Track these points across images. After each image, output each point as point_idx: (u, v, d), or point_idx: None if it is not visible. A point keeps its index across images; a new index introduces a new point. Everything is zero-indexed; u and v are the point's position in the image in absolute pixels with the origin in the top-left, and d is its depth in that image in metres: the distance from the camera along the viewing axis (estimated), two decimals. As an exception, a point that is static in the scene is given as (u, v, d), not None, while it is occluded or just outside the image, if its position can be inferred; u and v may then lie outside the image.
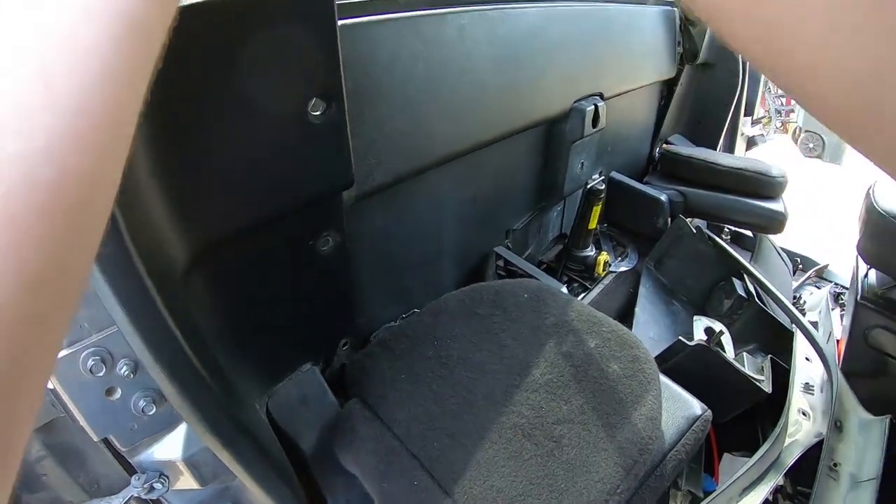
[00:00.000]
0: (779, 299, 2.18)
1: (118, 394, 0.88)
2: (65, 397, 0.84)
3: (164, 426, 0.96)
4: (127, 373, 0.87)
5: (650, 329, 2.13)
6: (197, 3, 0.71)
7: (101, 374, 0.84)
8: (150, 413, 0.91)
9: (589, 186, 2.20)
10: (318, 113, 0.94)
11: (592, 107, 1.96)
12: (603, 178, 2.34)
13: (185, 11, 0.69)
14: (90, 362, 0.83)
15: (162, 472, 1.01)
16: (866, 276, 2.12)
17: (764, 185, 2.59)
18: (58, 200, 0.26)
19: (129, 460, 0.98)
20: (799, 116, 8.98)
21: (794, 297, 2.85)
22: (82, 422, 0.87)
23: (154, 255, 0.72)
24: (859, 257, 2.05)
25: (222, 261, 0.98)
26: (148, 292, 0.71)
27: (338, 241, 1.18)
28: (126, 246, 0.67)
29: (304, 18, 0.85)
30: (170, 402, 0.85)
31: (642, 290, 2.26)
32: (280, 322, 1.19)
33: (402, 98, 1.32)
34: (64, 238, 0.27)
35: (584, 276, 2.32)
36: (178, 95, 0.74)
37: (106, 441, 0.94)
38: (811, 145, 8.90)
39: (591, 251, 2.33)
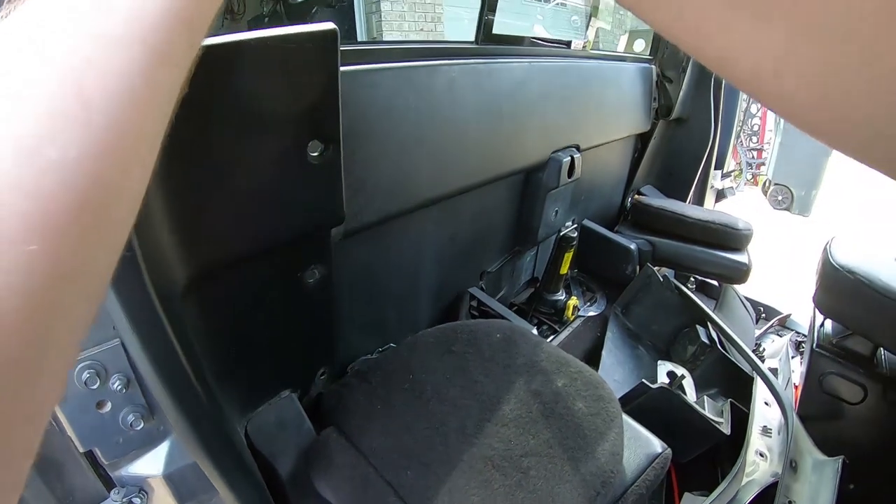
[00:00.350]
0: (740, 347, 2.27)
1: (108, 407, 0.90)
2: (57, 409, 0.86)
3: (148, 442, 0.99)
4: (119, 387, 0.89)
5: (616, 372, 2.20)
6: (218, 43, 0.78)
7: (94, 386, 0.87)
8: (138, 428, 0.94)
9: (562, 234, 2.29)
10: (316, 154, 1.00)
11: (569, 158, 2.06)
12: (576, 225, 2.43)
13: (207, 48, 0.76)
14: (85, 375, 0.86)
15: (141, 487, 1.02)
16: (822, 325, 2.22)
17: (730, 238, 2.70)
18: (87, 206, 0.29)
19: (110, 474, 1.00)
20: (769, 169, 9.21)
21: (756, 345, 2.95)
22: (70, 432, 0.89)
23: (160, 275, 0.77)
24: (816, 308, 2.15)
25: (215, 286, 1.03)
26: (154, 308, 0.76)
27: (324, 274, 1.24)
28: (138, 263, 0.71)
29: (312, 66, 0.93)
30: (158, 419, 0.91)
31: (609, 335, 2.34)
32: (264, 348, 1.24)
33: (393, 142, 1.40)
34: (91, 239, 0.30)
35: (553, 319, 2.39)
36: (191, 128, 0.80)
37: (86, 453, 0.96)
38: (780, 197, 9.11)
39: (561, 295, 2.41)
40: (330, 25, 0.93)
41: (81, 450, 0.92)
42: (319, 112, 0.99)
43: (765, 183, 9.49)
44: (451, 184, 1.64)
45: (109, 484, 1.03)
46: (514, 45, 1.93)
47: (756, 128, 10.12)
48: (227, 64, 0.81)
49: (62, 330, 0.29)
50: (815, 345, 2.17)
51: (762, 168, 9.98)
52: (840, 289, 1.95)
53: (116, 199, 0.31)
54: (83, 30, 0.30)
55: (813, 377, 2.16)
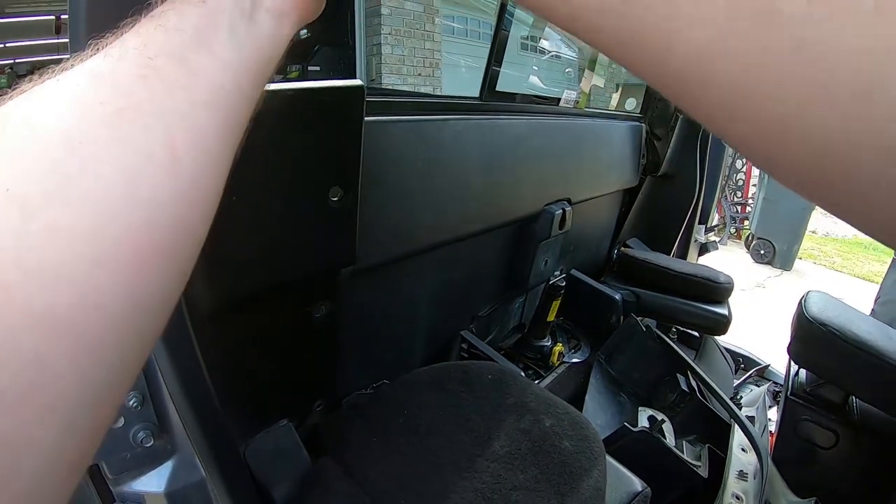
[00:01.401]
0: (719, 395, 2.36)
1: (120, 422, 0.92)
2: None
3: (154, 459, 1.00)
4: (135, 404, 0.92)
5: (598, 416, 2.28)
6: (269, 94, 0.86)
7: None
8: (148, 445, 0.95)
9: (551, 283, 2.39)
10: (336, 199, 1.09)
11: (561, 211, 2.17)
12: (564, 275, 2.53)
13: None
14: None
15: (141, 503, 1.03)
16: (797, 374, 2.34)
17: (711, 291, 2.81)
18: (167, 242, 0.33)
19: (111, 488, 1.01)
20: (752, 224, 9.39)
21: (734, 394, 3.04)
22: None
23: (193, 301, 0.85)
24: (791, 358, 2.26)
25: (234, 315, 1.10)
26: (187, 330, 0.83)
27: (331, 311, 1.32)
28: None
29: (340, 118, 1.03)
30: (166, 437, 0.95)
31: (592, 381, 2.42)
32: (267, 377, 1.31)
33: (401, 189, 1.50)
34: (168, 269, 0.33)
35: (539, 364, 2.47)
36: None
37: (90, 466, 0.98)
38: (762, 251, 9.30)
39: (547, 342, 2.50)
40: (357, 82, 1.03)
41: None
42: (342, 160, 1.08)
43: (748, 237, 9.69)
44: (451, 231, 1.74)
45: (108, 498, 1.04)
46: (515, 101, 2.05)
47: (741, 182, 10.33)
48: (262, 111, 0.89)
49: (137, 354, 0.33)
50: (789, 392, 2.28)
51: (745, 223, 10.18)
52: (814, 340, 2.06)
53: (191, 238, 0.36)
54: (177, 93, 0.35)
55: (788, 423, 2.27)
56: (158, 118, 0.33)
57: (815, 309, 2.11)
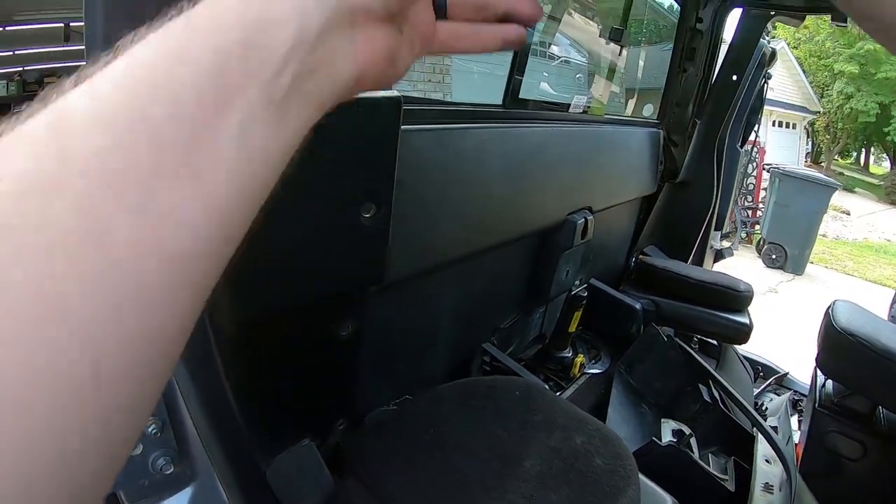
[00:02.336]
0: (742, 405, 2.32)
1: (139, 449, 0.89)
2: None
3: (173, 486, 0.97)
4: (154, 431, 0.89)
5: (621, 429, 2.24)
6: None
7: None
8: (167, 472, 0.93)
9: (573, 293, 2.35)
10: (368, 215, 1.05)
11: (583, 220, 2.14)
12: (585, 285, 2.50)
13: None
14: None
15: None
16: (823, 385, 2.29)
17: (731, 299, 2.77)
18: (198, 270, 0.31)
19: None
20: (763, 228, 9.35)
21: (755, 404, 3.00)
22: None
23: (217, 318, 0.81)
24: (818, 369, 2.22)
25: (258, 333, 1.06)
26: (210, 349, 0.80)
27: (356, 328, 1.27)
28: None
29: (375, 130, 0.99)
30: (186, 463, 0.92)
31: (614, 392, 2.37)
32: (290, 396, 1.27)
33: (424, 201, 1.46)
34: (196, 295, 0.32)
35: (560, 375, 2.43)
36: None
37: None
38: (773, 256, 9.25)
39: (568, 353, 2.46)
40: (395, 93, 1.00)
41: None
42: (375, 175, 1.04)
43: (759, 241, 9.64)
44: (474, 243, 1.71)
45: None
46: (537, 108, 2.02)
47: (751, 187, 10.30)
48: None
49: (167, 356, 0.31)
50: (817, 404, 2.23)
51: (756, 227, 10.15)
52: (842, 350, 2.03)
53: (220, 261, 0.34)
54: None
55: (815, 435, 2.23)
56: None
57: (843, 319, 2.07)
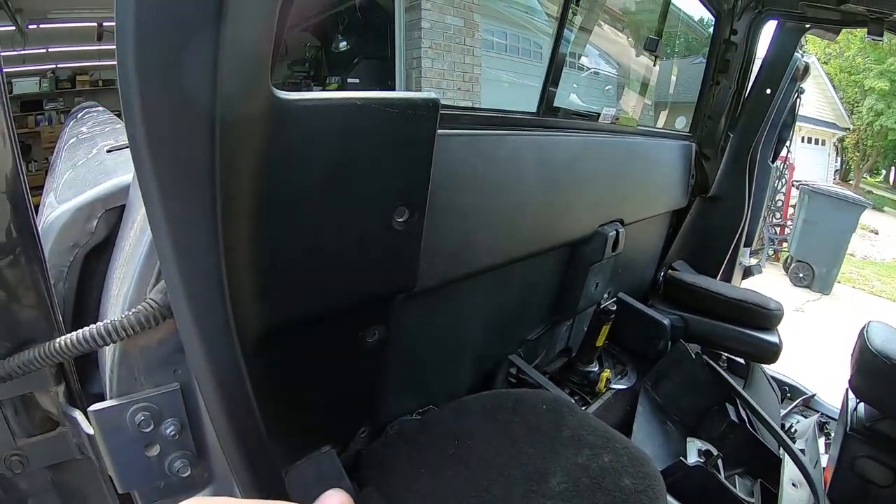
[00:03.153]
0: (771, 427, 2.27)
1: (156, 451, 0.89)
2: (103, 446, 0.85)
3: (189, 488, 0.97)
4: (172, 433, 0.88)
5: (646, 447, 2.19)
6: (322, 99, 0.82)
7: (147, 429, 0.85)
8: (184, 475, 0.92)
9: (602, 306, 2.31)
10: (401, 220, 1.03)
11: (614, 232, 2.11)
12: (614, 299, 2.46)
13: (315, 108, 0.81)
14: (139, 417, 0.84)
15: None
16: (855, 408, 2.23)
17: (761, 317, 2.70)
18: None
19: None
20: (791, 246, 9.23)
21: (782, 425, 2.93)
22: (112, 472, 0.87)
23: (241, 321, 0.80)
24: (850, 391, 2.16)
25: (284, 338, 1.04)
26: (234, 352, 0.77)
27: (383, 335, 1.25)
28: (226, 304, 0.74)
29: (411, 133, 0.97)
30: (203, 466, 0.91)
31: (640, 409, 2.34)
32: (312, 401, 1.25)
33: (458, 208, 1.44)
34: None
35: (585, 390, 2.40)
36: (288, 182, 0.84)
37: (117, 490, 0.94)
38: (801, 274, 9.13)
39: (594, 367, 2.43)
40: (432, 95, 0.97)
41: (120, 491, 0.90)
42: (410, 179, 1.02)
43: (787, 259, 9.53)
44: (507, 253, 1.68)
45: None
46: (571, 118, 1.99)
47: (780, 203, 10.18)
48: (328, 120, 0.85)
49: None
50: (848, 427, 2.18)
51: (784, 244, 10.03)
52: (876, 373, 1.98)
53: None
54: None
55: (845, 459, 2.17)
56: None
57: (879, 341, 2.02)
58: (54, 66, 8.78)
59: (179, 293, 0.71)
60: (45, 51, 8.47)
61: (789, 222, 10.08)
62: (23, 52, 8.13)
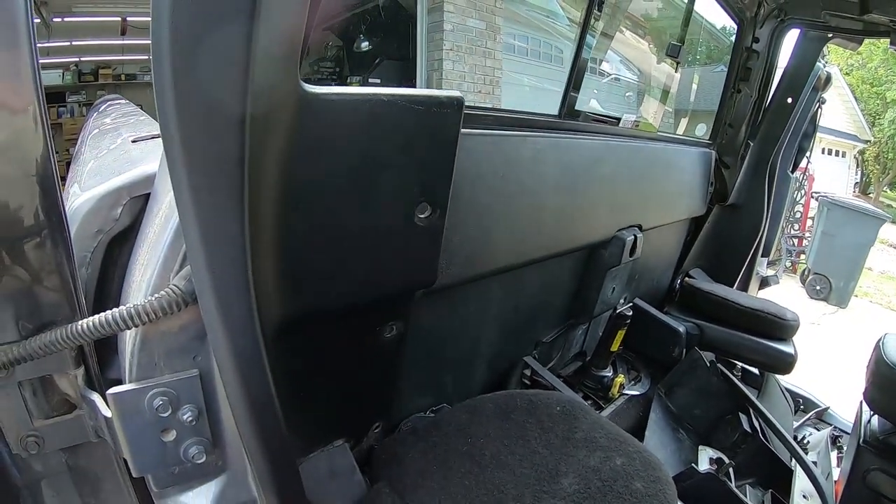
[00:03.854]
0: (784, 438, 2.26)
1: (172, 436, 0.90)
2: (120, 429, 0.86)
3: (203, 475, 0.98)
4: (190, 419, 0.89)
5: (658, 454, 2.18)
6: (345, 94, 0.84)
7: (165, 414, 0.86)
8: (199, 461, 0.92)
9: (618, 311, 2.31)
10: (424, 216, 1.04)
11: (632, 237, 2.11)
12: (630, 304, 2.45)
13: (342, 102, 0.82)
14: (157, 402, 0.86)
15: None
16: (869, 421, 2.21)
17: (777, 327, 2.68)
18: None
19: (155, 501, 0.99)
20: (809, 258, 9.15)
21: (794, 437, 2.91)
22: (128, 456, 0.88)
23: (264, 310, 0.80)
24: (864, 403, 2.14)
25: (303, 330, 1.06)
26: (257, 340, 0.78)
27: (401, 331, 1.27)
28: (250, 292, 0.75)
29: (435, 130, 0.98)
30: (218, 453, 0.93)
31: (653, 416, 2.33)
32: (328, 394, 1.26)
33: (478, 207, 1.44)
34: None
35: (598, 394, 2.39)
36: (311, 174, 0.86)
37: (131, 474, 0.95)
38: (818, 287, 9.04)
39: (608, 372, 2.42)
40: (457, 93, 0.98)
41: (134, 475, 0.91)
42: (433, 175, 1.03)
43: (804, 271, 9.44)
44: (524, 254, 1.69)
45: None
46: (592, 121, 1.99)
47: (798, 214, 10.09)
48: (354, 114, 0.86)
49: None
50: (861, 440, 2.16)
51: (801, 256, 9.93)
52: (891, 386, 1.96)
53: None
54: None
55: (857, 472, 2.14)
56: None
57: (894, 353, 2.00)
58: (77, 59, 8.85)
59: (205, 279, 0.72)
60: (68, 44, 8.54)
61: (807, 234, 10.00)
62: (47, 45, 8.19)
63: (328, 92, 0.82)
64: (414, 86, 6.33)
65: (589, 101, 4.20)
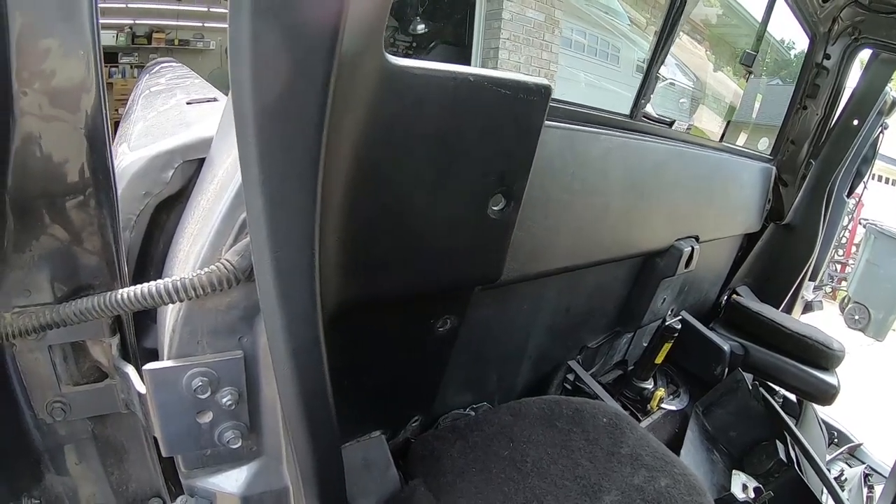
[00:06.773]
0: (822, 472, 2.20)
1: (208, 418, 0.87)
2: (153, 407, 0.83)
3: (236, 460, 0.95)
4: (229, 402, 0.86)
5: (692, 474, 2.16)
6: (429, 69, 0.79)
7: (203, 396, 0.83)
8: (234, 446, 0.90)
9: (666, 323, 2.25)
10: (497, 208, 0.99)
11: (690, 248, 2.05)
12: (679, 317, 2.39)
13: (426, 77, 0.78)
14: (196, 382, 0.82)
15: (212, 501, 0.97)
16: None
17: (823, 356, 2.60)
18: None
19: (183, 481, 0.97)
20: (851, 286, 8.94)
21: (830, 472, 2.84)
22: (159, 435, 0.85)
23: (325, 292, 0.76)
24: None
25: (359, 317, 1.01)
26: (315, 323, 0.74)
27: (454, 326, 1.22)
28: (314, 273, 0.71)
29: (519, 117, 0.93)
30: (254, 439, 0.90)
31: (689, 434, 2.28)
32: (372, 383, 1.23)
33: (545, 203, 1.40)
34: None
35: (637, 406, 2.34)
36: (386, 153, 0.81)
37: (158, 453, 0.94)
38: (857, 317, 8.82)
39: (649, 384, 2.37)
40: (544, 81, 0.93)
41: (164, 454, 0.88)
42: (513, 165, 0.98)
43: (844, 299, 9.21)
44: (586, 255, 1.64)
45: (176, 486, 1.02)
46: (661, 125, 1.94)
47: (843, 240, 9.87)
48: (438, 91, 0.81)
49: None
50: None
51: (843, 283, 9.71)
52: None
53: None
54: None
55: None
56: None
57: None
58: (132, 21, 8.93)
59: (265, 256, 0.67)
60: (124, 6, 8.62)
61: (851, 260, 9.78)
62: (102, 6, 8.29)
63: (413, 65, 0.77)
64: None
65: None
